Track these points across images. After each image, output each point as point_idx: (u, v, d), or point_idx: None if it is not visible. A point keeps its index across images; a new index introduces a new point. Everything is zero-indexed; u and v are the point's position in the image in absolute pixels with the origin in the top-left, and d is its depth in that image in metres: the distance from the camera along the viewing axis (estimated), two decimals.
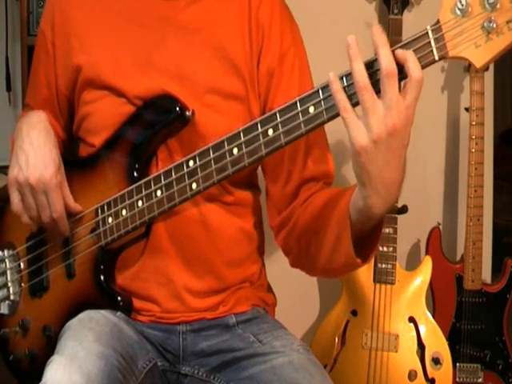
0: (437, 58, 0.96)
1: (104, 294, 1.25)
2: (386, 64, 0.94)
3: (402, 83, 0.96)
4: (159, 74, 1.24)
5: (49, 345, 1.25)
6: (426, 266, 1.99)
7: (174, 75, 1.24)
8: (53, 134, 1.28)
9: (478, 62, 0.95)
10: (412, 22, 2.00)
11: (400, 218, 1.95)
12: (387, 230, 1.92)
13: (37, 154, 1.23)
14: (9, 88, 2.34)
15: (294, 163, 1.26)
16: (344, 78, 0.99)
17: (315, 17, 2.05)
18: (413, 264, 2.10)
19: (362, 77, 0.95)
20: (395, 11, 1.98)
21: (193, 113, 1.21)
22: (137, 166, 1.23)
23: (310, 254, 1.22)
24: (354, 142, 0.97)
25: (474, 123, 2.02)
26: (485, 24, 0.93)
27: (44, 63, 1.36)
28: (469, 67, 2.02)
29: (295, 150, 1.26)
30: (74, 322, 1.21)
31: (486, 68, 2.00)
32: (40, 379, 1.08)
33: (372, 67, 0.98)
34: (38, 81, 1.38)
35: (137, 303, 1.27)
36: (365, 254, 1.08)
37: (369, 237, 1.08)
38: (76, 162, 1.32)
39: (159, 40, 1.26)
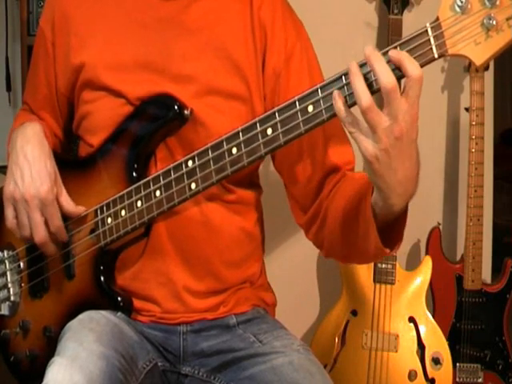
0: (436, 55, 0.95)
1: (104, 294, 1.25)
2: (387, 81, 0.93)
3: (402, 81, 0.96)
4: (160, 75, 1.24)
5: (49, 345, 1.25)
6: (426, 266, 1.99)
7: (175, 76, 1.24)
8: (47, 145, 1.28)
9: (478, 60, 0.95)
10: (412, 21, 1.99)
11: None
12: None
13: (32, 169, 1.23)
14: (9, 88, 2.34)
15: (314, 158, 1.25)
16: (343, 77, 0.99)
17: (315, 17, 2.04)
18: (413, 264, 2.10)
19: (365, 97, 0.94)
20: (395, 11, 1.98)
21: (191, 111, 1.21)
22: (136, 165, 1.23)
23: (343, 246, 1.21)
24: (364, 153, 0.97)
25: (474, 123, 2.02)
26: (484, 21, 0.92)
27: (43, 63, 1.35)
28: (469, 67, 2.02)
29: (314, 145, 1.25)
30: (74, 323, 1.21)
31: (486, 67, 2.01)
32: (40, 380, 1.08)
33: (368, 79, 0.97)
34: (38, 80, 1.38)
35: (137, 303, 1.27)
36: (392, 243, 1.08)
37: (393, 226, 1.08)
38: (75, 162, 1.32)
39: (160, 40, 1.25)
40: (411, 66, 0.94)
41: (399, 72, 0.94)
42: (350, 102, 0.98)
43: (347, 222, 1.15)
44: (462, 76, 2.14)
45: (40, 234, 1.23)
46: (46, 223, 1.23)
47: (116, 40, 1.27)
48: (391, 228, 1.08)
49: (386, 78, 0.93)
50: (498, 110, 2.24)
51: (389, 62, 0.95)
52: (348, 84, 0.98)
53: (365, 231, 1.09)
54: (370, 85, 0.96)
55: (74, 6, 1.32)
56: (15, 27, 2.29)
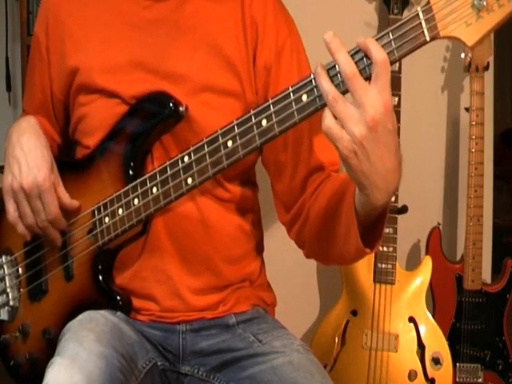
0: (428, 38, 0.95)
1: (103, 294, 1.25)
2: (345, 68, 0.94)
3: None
4: (154, 75, 1.24)
5: (49, 348, 1.25)
6: (426, 266, 1.99)
7: (168, 75, 1.24)
8: (43, 136, 1.29)
9: (470, 41, 0.94)
10: None
11: (400, 217, 1.95)
12: (387, 230, 1.92)
13: (28, 158, 1.23)
14: (9, 88, 2.35)
15: (299, 154, 1.26)
16: (336, 67, 0.98)
17: (315, 17, 2.04)
18: (413, 264, 2.10)
19: (331, 91, 0.95)
20: (395, 11, 1.98)
21: (186, 108, 1.21)
22: (132, 164, 1.23)
23: (323, 246, 1.21)
24: (341, 150, 0.96)
25: (473, 123, 2.02)
26: (475, 2, 0.92)
27: (38, 68, 1.36)
28: (469, 67, 2.02)
29: (299, 141, 1.25)
30: (74, 323, 1.21)
31: (486, 67, 2.01)
32: (40, 383, 1.08)
33: (333, 70, 0.97)
34: (33, 86, 1.38)
35: (136, 302, 1.27)
36: (372, 242, 1.07)
37: (374, 224, 1.07)
38: (72, 163, 1.32)
39: (154, 41, 1.26)
40: (375, 50, 0.94)
41: (368, 60, 0.95)
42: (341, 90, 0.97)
43: (329, 221, 1.16)
44: (462, 76, 2.14)
45: (43, 218, 1.23)
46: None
47: (110, 42, 1.27)
48: (371, 228, 1.07)
49: (345, 65, 0.94)
50: (498, 110, 2.24)
51: (359, 50, 0.96)
52: (339, 73, 0.97)
53: (346, 229, 1.09)
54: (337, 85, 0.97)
55: (68, 10, 1.32)
56: (15, 27, 2.30)
